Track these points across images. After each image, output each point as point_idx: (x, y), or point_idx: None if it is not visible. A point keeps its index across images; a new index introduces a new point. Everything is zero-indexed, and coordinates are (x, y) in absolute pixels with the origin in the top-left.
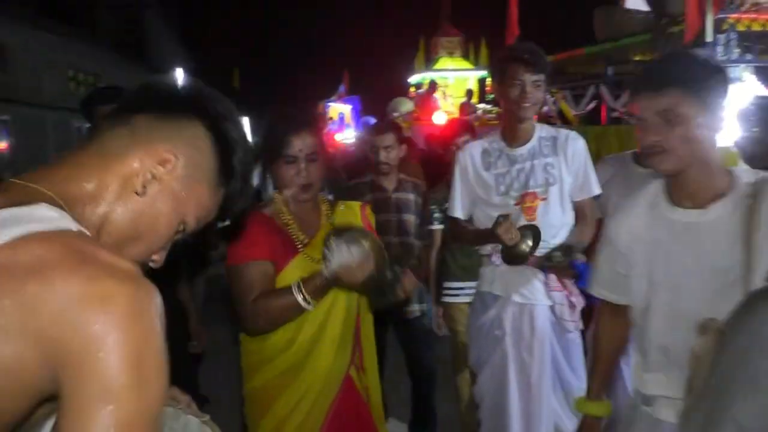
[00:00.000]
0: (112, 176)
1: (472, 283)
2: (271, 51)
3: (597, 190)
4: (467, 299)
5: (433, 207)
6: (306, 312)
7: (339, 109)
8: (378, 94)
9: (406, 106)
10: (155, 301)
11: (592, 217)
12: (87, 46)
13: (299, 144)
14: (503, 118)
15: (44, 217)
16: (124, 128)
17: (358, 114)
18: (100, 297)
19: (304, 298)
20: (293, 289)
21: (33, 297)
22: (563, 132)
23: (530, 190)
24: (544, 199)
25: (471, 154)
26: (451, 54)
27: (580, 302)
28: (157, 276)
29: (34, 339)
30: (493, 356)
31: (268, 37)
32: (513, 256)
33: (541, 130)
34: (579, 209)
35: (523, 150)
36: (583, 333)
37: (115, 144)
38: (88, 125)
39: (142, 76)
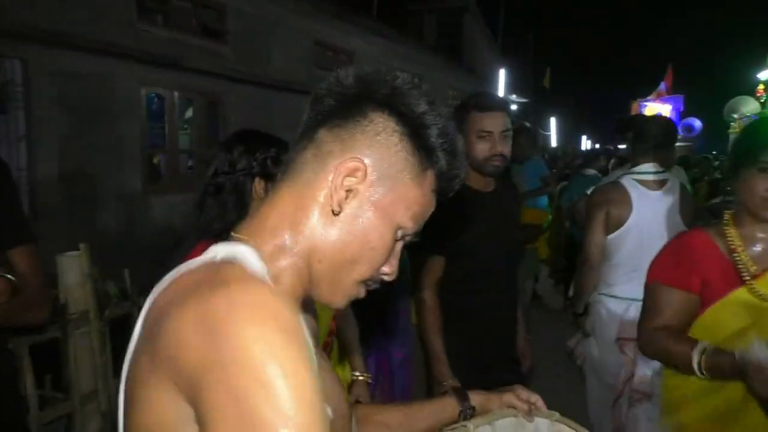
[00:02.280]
0: (309, 204)
1: None
2: (584, 48)
3: None
4: None
5: None
6: None
7: (656, 109)
8: (709, 92)
9: (750, 106)
10: None
11: None
12: (413, 49)
13: None
14: None
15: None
16: (309, 150)
17: (678, 115)
18: None
19: (699, 367)
20: (694, 350)
21: None
22: None
23: None
24: None
25: None
26: None
27: None
28: None
29: None
30: None
31: (582, 34)
32: None
33: None
34: None
35: None
36: None
37: (304, 170)
38: None
39: (459, 77)
